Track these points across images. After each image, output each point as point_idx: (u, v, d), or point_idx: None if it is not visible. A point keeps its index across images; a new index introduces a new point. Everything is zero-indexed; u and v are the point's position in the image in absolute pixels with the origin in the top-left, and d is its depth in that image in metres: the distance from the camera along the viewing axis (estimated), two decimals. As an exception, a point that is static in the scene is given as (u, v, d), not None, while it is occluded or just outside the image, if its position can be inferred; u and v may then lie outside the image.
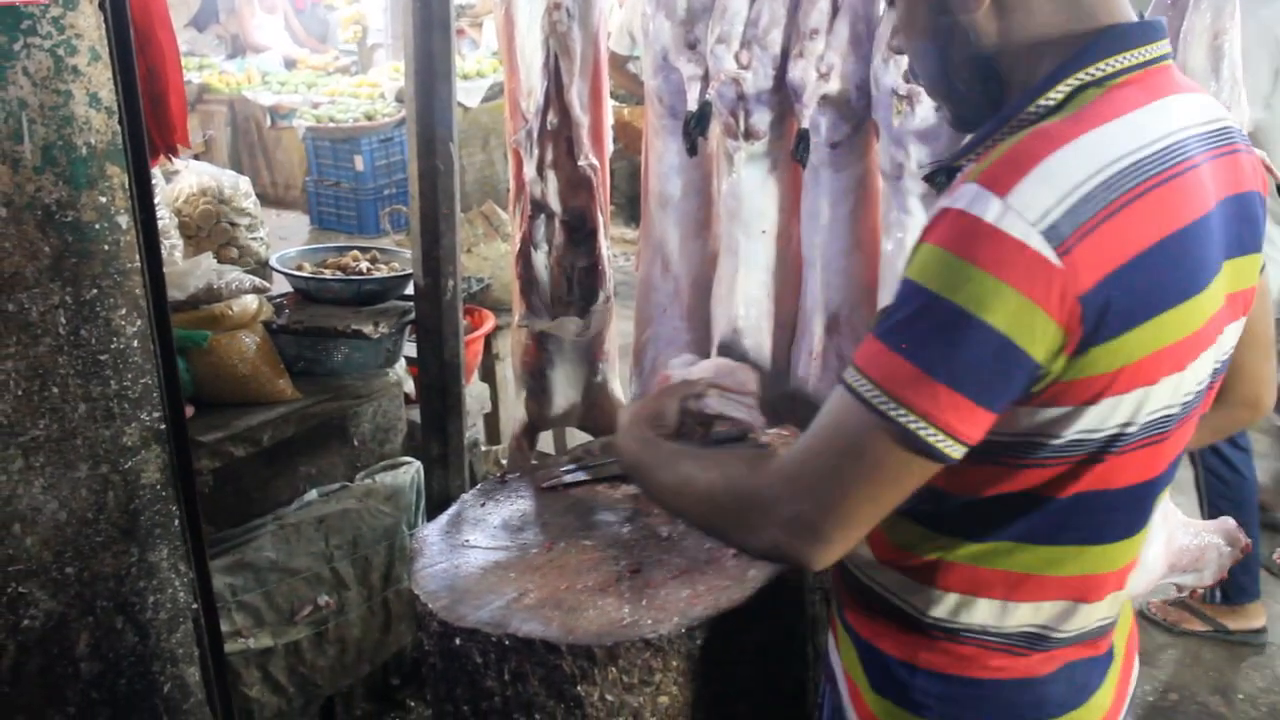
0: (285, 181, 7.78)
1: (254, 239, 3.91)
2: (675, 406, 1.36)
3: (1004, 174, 0.91)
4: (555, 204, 2.50)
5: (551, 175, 2.48)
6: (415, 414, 2.71)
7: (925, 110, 2.11)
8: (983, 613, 1.10)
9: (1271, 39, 2.78)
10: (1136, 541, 1.12)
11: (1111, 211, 0.91)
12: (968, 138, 1.10)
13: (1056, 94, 0.98)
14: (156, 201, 1.96)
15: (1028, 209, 0.89)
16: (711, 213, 2.55)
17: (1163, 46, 1.01)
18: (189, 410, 2.10)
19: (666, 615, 1.43)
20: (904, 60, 2.05)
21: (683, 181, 2.50)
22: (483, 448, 3.18)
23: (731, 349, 2.44)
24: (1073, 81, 0.98)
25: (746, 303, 2.44)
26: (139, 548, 1.74)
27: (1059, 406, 0.97)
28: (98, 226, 1.59)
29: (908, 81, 2.09)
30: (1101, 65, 0.97)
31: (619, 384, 2.82)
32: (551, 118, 2.42)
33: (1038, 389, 0.95)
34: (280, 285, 2.83)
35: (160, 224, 2.24)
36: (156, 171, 3.06)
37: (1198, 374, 1.03)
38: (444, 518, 1.77)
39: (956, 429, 0.92)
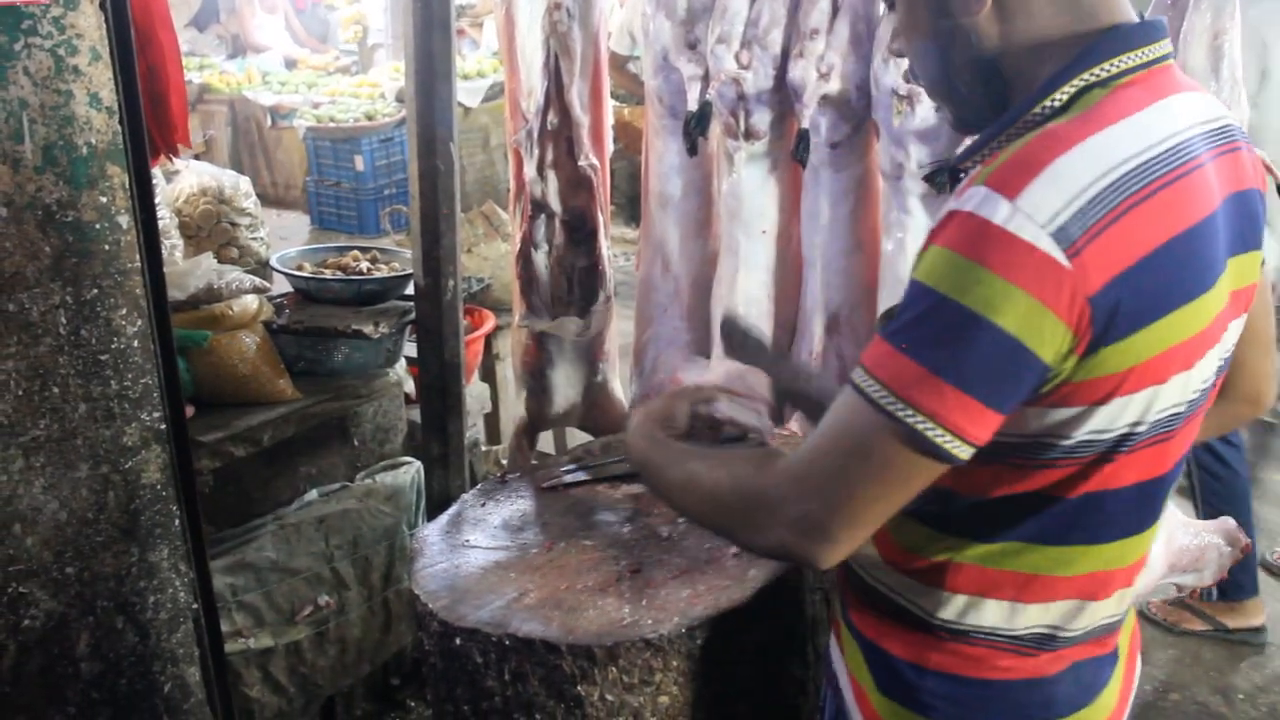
0: (285, 181, 7.78)
1: (254, 239, 3.91)
2: (686, 409, 1.36)
3: (1013, 177, 0.91)
4: (555, 204, 2.50)
5: (552, 175, 2.49)
6: (415, 414, 2.71)
7: (925, 110, 2.11)
8: (992, 614, 1.10)
9: (1259, 40, 2.78)
10: (1145, 539, 1.12)
11: (1120, 213, 0.91)
12: (969, 139, 1.10)
13: (1062, 95, 0.98)
14: (157, 201, 1.96)
15: (1037, 211, 0.89)
16: (712, 213, 2.55)
17: (1164, 46, 1.01)
18: (189, 410, 2.10)
19: (667, 615, 1.43)
20: (904, 61, 2.05)
21: (683, 181, 2.50)
22: (483, 448, 3.18)
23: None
24: (1078, 82, 0.98)
25: (746, 302, 2.44)
26: (139, 548, 1.74)
27: (1069, 407, 0.97)
28: (98, 226, 1.59)
29: (908, 81, 2.10)
30: (1106, 66, 0.98)
31: (619, 384, 2.82)
32: (552, 118, 2.42)
33: (1047, 390, 0.95)
34: (280, 285, 2.83)
35: (161, 224, 2.24)
36: (157, 171, 3.06)
37: (1204, 372, 1.03)
38: (444, 518, 1.77)
39: (964, 430, 0.92)
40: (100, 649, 1.73)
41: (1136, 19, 1.02)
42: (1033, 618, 1.10)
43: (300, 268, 2.79)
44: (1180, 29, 2.07)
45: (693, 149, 2.42)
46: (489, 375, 3.40)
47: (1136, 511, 1.09)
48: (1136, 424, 0.99)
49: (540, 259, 2.55)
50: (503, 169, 6.92)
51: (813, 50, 2.23)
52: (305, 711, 2.42)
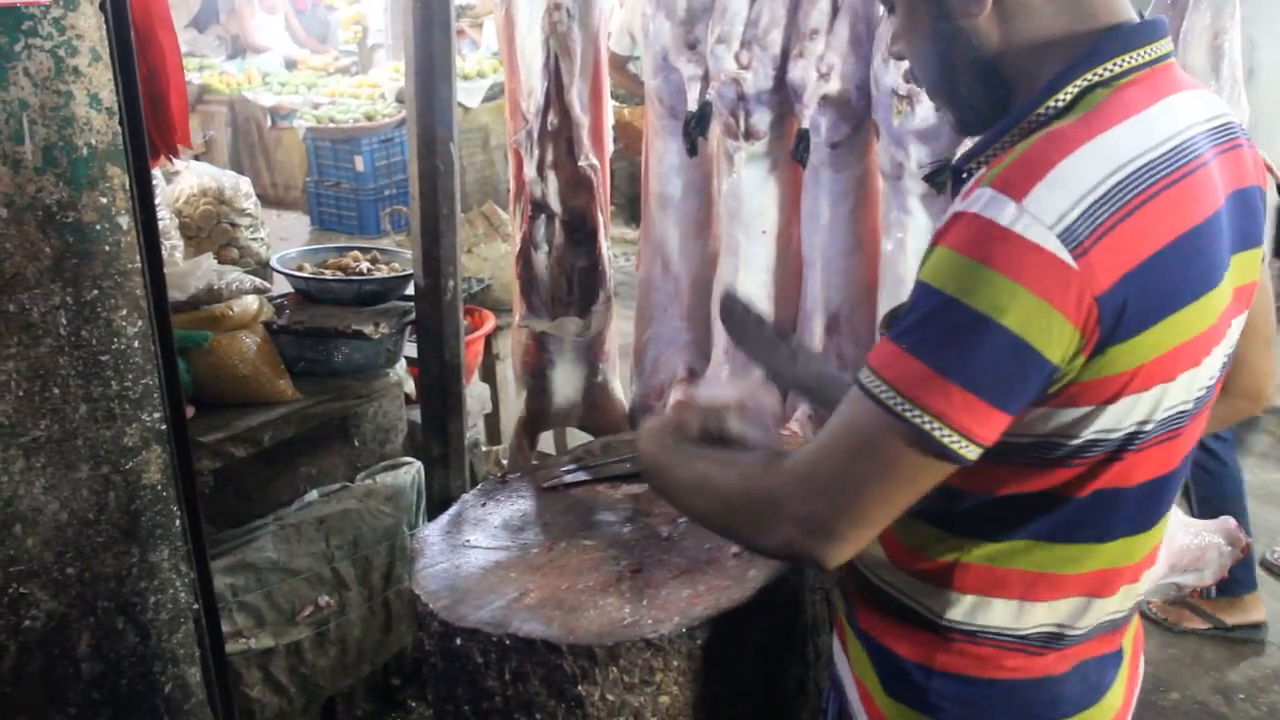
0: (286, 182, 7.78)
1: (254, 239, 3.91)
2: (697, 423, 1.37)
3: (1018, 178, 0.92)
4: (555, 204, 2.50)
5: (552, 175, 2.49)
6: (416, 414, 2.71)
7: (925, 110, 2.11)
8: (1000, 613, 1.10)
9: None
10: (1152, 536, 1.12)
11: (1127, 212, 0.91)
12: (969, 140, 1.10)
13: (1065, 95, 0.98)
14: (157, 202, 1.96)
15: (1044, 212, 0.89)
16: (712, 213, 2.55)
17: (1166, 45, 1.01)
18: (190, 411, 2.10)
19: (667, 615, 1.43)
20: (904, 61, 2.05)
21: (683, 182, 2.50)
22: (483, 448, 3.18)
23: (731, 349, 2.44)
24: (1080, 83, 0.98)
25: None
26: (140, 548, 1.74)
27: (1077, 407, 0.97)
28: (98, 227, 1.59)
29: (908, 81, 2.10)
30: (1109, 65, 0.98)
31: (619, 384, 2.82)
32: (552, 118, 2.42)
33: (1054, 390, 0.95)
34: (281, 286, 2.83)
35: (161, 225, 2.24)
36: (157, 172, 3.06)
37: (1210, 369, 1.04)
38: (444, 518, 1.77)
39: (971, 430, 0.92)
40: (101, 649, 1.74)
41: (1136, 18, 1.02)
42: (1040, 616, 1.10)
43: (300, 268, 2.79)
44: (1180, 29, 2.07)
45: (693, 149, 2.42)
46: (489, 375, 3.40)
47: (1144, 509, 1.09)
48: (1145, 422, 1.00)
49: (540, 259, 2.55)
50: (503, 169, 6.92)
51: (813, 50, 2.23)
52: (306, 712, 2.42)
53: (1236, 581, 2.94)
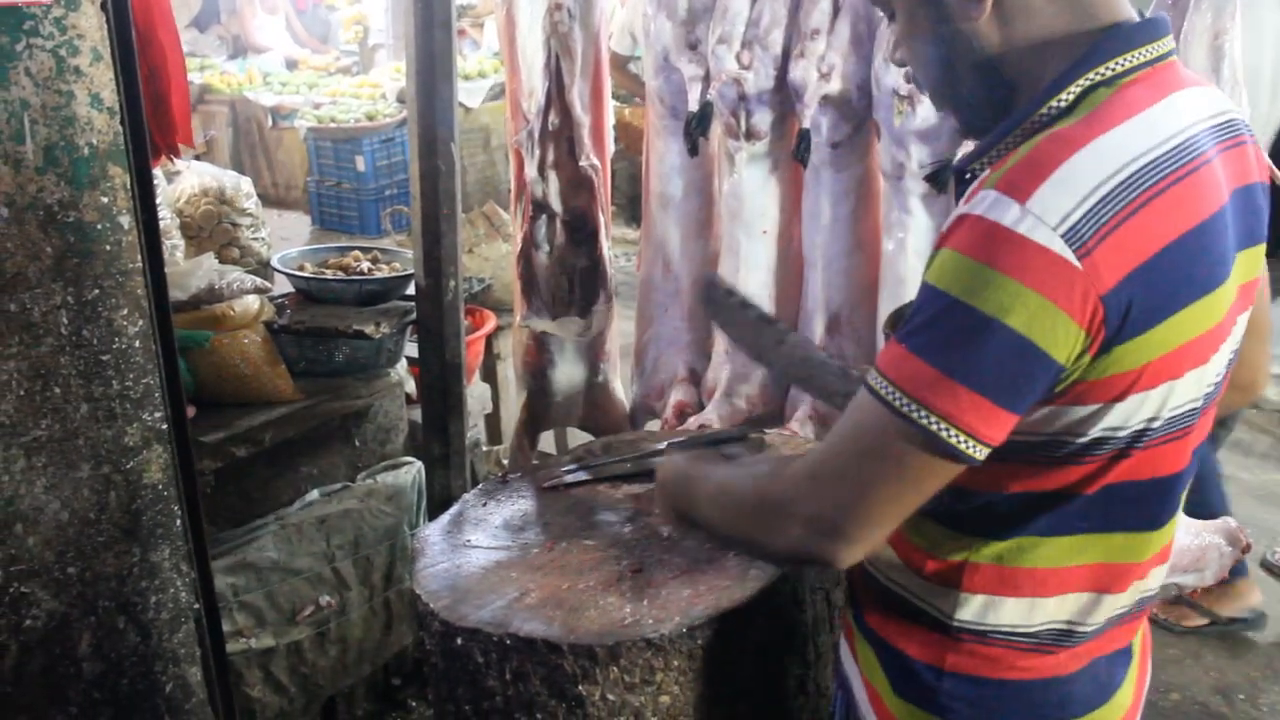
0: (287, 182, 7.79)
1: (255, 239, 3.92)
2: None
3: (1022, 179, 0.92)
4: (556, 204, 2.51)
5: (553, 175, 2.49)
6: (417, 414, 2.71)
7: (926, 110, 2.11)
8: (1010, 612, 1.10)
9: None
10: (1163, 534, 1.13)
11: (1130, 211, 0.91)
12: (972, 141, 1.11)
13: (1067, 95, 0.98)
14: (158, 202, 1.96)
15: (1047, 213, 0.90)
16: (713, 213, 2.56)
17: (1167, 43, 1.01)
18: (191, 410, 2.10)
19: (668, 615, 1.43)
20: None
21: (684, 182, 2.51)
22: (484, 448, 3.18)
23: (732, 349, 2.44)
24: (1083, 82, 0.98)
25: (748, 302, 2.44)
26: (141, 548, 1.74)
27: (1084, 405, 0.97)
28: (99, 227, 1.59)
29: (909, 82, 2.10)
30: (1111, 65, 0.98)
31: (620, 384, 2.83)
32: (553, 118, 2.43)
33: (1061, 389, 0.96)
34: (282, 285, 2.83)
35: (162, 224, 2.25)
36: (158, 172, 3.06)
37: (1217, 366, 1.04)
38: (445, 517, 1.77)
39: (978, 430, 0.93)
40: (102, 649, 1.74)
41: (1137, 17, 1.02)
42: (1049, 612, 1.10)
43: (301, 268, 2.79)
44: (1181, 29, 2.07)
45: (694, 149, 2.43)
46: (490, 375, 3.40)
47: (1154, 506, 1.09)
48: (1152, 419, 1.00)
49: (541, 259, 2.55)
50: (504, 169, 6.92)
51: (814, 50, 2.23)
52: (306, 711, 2.42)
53: None
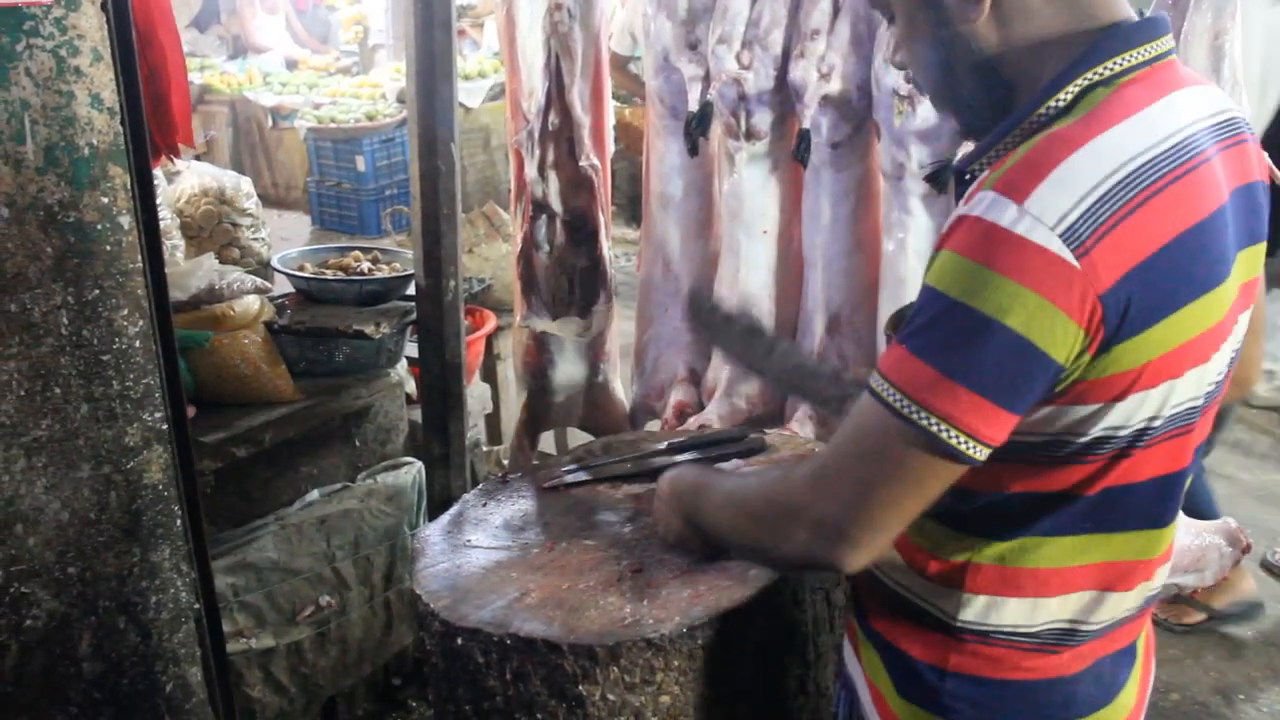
0: (287, 182, 7.79)
1: (255, 239, 3.92)
2: None
3: (1020, 180, 0.92)
4: (556, 204, 2.51)
5: (553, 176, 2.49)
6: (417, 414, 2.72)
7: (926, 111, 2.11)
8: (1013, 612, 1.10)
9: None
10: (1166, 533, 1.13)
11: (1129, 210, 0.91)
12: (971, 141, 1.11)
13: (1065, 95, 0.99)
14: (158, 202, 1.96)
15: (1045, 213, 0.90)
16: (713, 213, 2.56)
17: (1167, 42, 1.01)
18: (191, 411, 2.10)
19: (668, 614, 1.43)
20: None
21: (684, 182, 2.51)
22: (484, 448, 3.18)
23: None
24: (1081, 82, 0.98)
25: (747, 302, 2.44)
26: (141, 548, 1.74)
27: (1085, 405, 0.98)
28: (100, 227, 1.59)
29: (909, 82, 2.10)
30: (1109, 64, 0.98)
31: (620, 384, 2.83)
32: (553, 118, 2.43)
33: (1061, 389, 0.96)
34: (282, 286, 2.83)
35: (162, 224, 2.24)
36: (158, 172, 3.06)
37: (1218, 365, 1.04)
38: (445, 518, 1.77)
39: (979, 431, 0.93)
40: (102, 649, 1.74)
41: (1135, 16, 1.02)
42: (1052, 611, 1.10)
43: (301, 268, 2.79)
44: (1181, 29, 2.07)
45: (694, 149, 2.43)
46: (490, 375, 3.40)
47: (1156, 505, 1.10)
48: (1153, 418, 1.00)
49: (541, 259, 2.56)
50: (504, 169, 6.92)
51: (814, 50, 2.23)
52: (307, 711, 2.42)
53: None
